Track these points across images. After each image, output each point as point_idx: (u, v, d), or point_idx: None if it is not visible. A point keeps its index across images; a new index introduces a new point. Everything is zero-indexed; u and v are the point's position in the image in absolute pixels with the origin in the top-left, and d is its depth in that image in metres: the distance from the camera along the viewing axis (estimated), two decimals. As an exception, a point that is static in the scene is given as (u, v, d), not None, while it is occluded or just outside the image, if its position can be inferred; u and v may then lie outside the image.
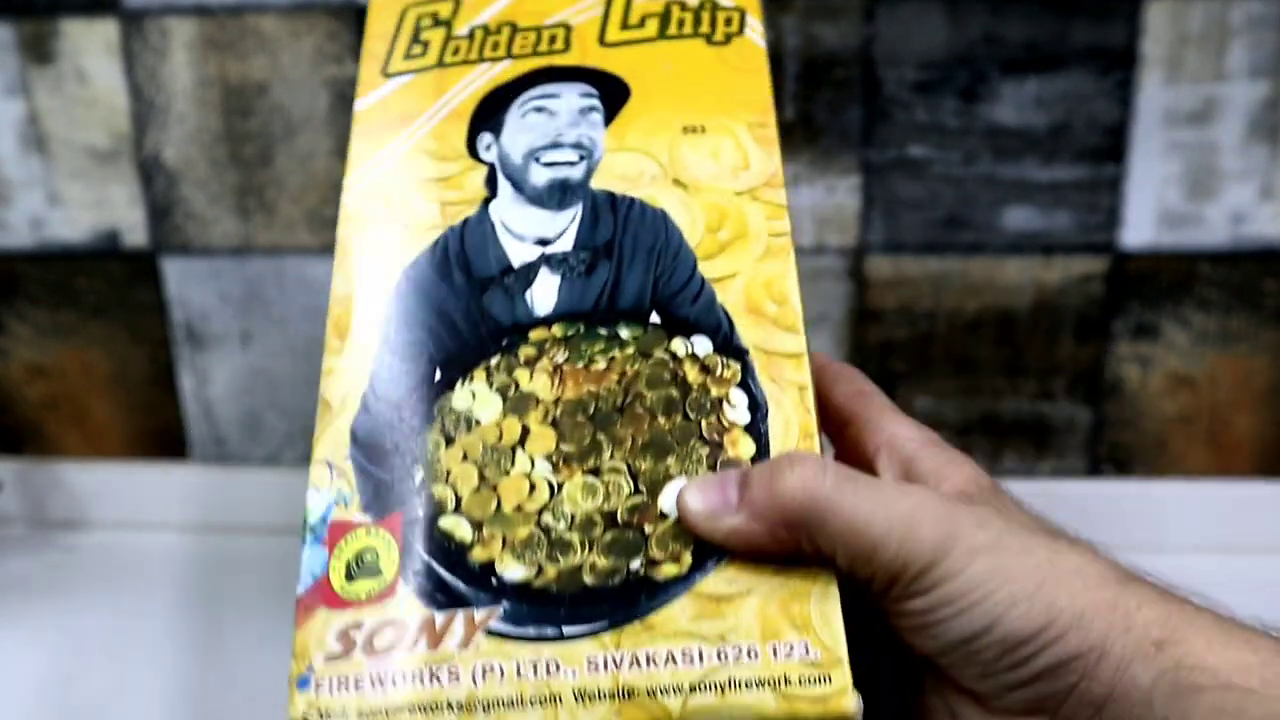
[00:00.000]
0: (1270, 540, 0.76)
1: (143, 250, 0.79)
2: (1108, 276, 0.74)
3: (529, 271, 0.32)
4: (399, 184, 0.34)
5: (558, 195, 0.33)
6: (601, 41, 0.37)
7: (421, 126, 0.35)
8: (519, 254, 0.33)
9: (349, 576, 0.29)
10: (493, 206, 0.33)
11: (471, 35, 0.37)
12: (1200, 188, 0.71)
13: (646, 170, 0.34)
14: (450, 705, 0.27)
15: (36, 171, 0.78)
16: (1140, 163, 0.71)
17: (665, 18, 0.37)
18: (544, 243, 0.33)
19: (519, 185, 0.33)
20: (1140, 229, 0.72)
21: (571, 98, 0.35)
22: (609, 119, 0.35)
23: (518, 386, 0.31)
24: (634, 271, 0.32)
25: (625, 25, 0.37)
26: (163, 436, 0.84)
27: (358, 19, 0.73)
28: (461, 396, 0.31)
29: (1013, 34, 0.70)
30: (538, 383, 0.31)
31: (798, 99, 0.72)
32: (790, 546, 0.28)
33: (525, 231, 0.33)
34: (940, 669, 0.29)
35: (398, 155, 0.35)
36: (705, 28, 0.37)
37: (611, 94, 0.35)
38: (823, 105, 0.72)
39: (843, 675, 0.27)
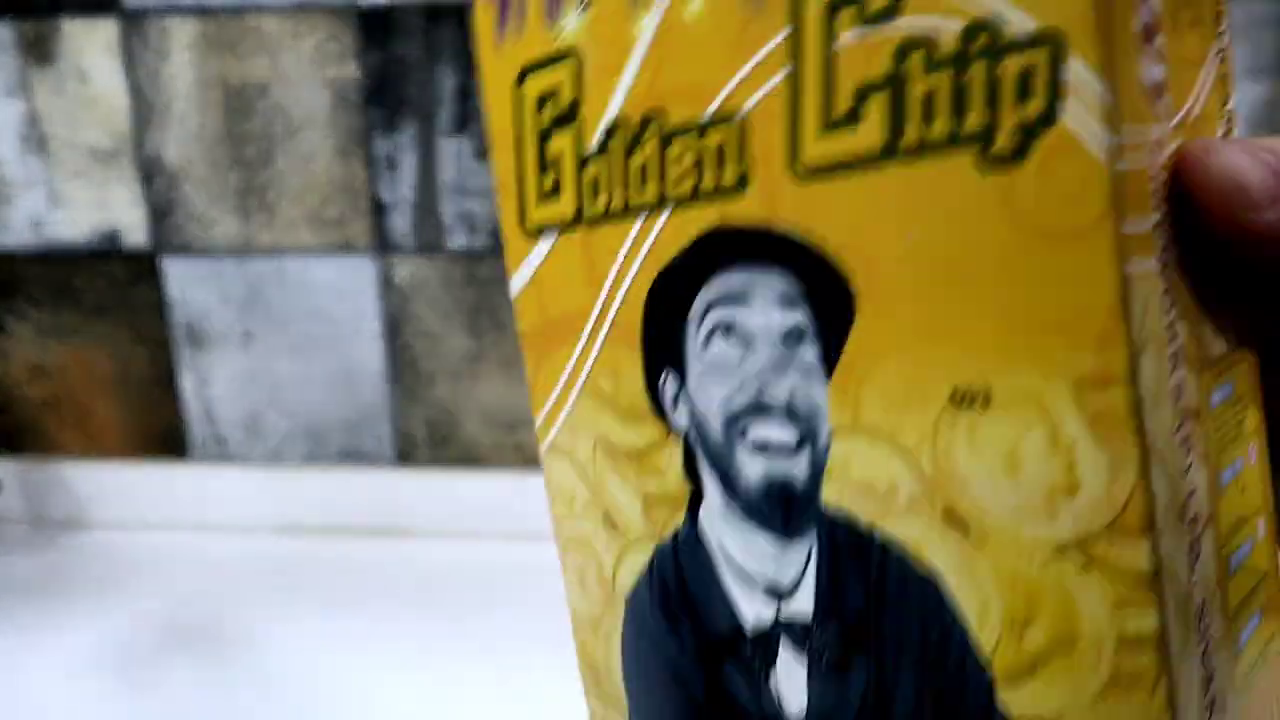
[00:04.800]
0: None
1: (143, 250, 0.79)
2: (1108, 277, 0.73)
3: (768, 646, 0.25)
4: (590, 455, 0.27)
5: (780, 511, 0.24)
6: (794, 163, 0.22)
7: (587, 346, 0.26)
8: (750, 609, 0.25)
9: None
10: (703, 516, 0.25)
11: (606, 148, 0.25)
12: (1200, 188, 0.71)
13: (899, 483, 0.22)
14: None
15: (37, 171, 0.78)
16: (1140, 163, 0.71)
17: (897, 98, 0.19)
18: (776, 593, 0.25)
19: (728, 480, 0.25)
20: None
21: (767, 307, 0.23)
22: (826, 353, 0.23)
23: None
24: (901, 680, 0.23)
25: (830, 122, 0.21)
26: (163, 436, 0.84)
27: (358, 19, 0.73)
28: None
29: (1013, 34, 0.70)
30: None
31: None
32: None
33: (750, 567, 0.25)
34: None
35: (575, 395, 0.27)
36: (975, 116, 0.19)
37: (824, 297, 0.22)
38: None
39: None
